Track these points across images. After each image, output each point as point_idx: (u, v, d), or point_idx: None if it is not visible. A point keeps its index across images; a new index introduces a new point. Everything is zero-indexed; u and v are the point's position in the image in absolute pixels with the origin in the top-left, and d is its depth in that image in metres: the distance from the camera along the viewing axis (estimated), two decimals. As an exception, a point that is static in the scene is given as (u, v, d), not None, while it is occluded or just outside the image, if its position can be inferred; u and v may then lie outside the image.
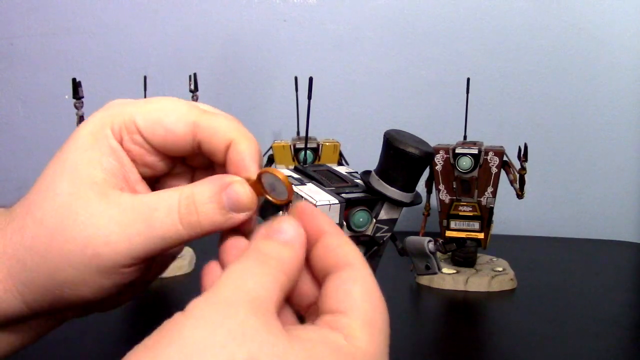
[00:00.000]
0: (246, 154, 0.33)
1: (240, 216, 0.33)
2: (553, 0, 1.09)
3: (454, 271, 0.79)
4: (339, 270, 0.30)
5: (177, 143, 0.34)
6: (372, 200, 0.48)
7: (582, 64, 1.10)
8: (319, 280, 0.32)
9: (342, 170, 0.55)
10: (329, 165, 0.56)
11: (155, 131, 0.34)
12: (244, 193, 0.32)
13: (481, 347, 0.62)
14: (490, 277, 0.78)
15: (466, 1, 1.10)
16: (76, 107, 0.78)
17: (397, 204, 0.48)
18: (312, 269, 0.32)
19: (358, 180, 0.51)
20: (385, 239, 0.50)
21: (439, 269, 0.52)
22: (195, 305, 0.27)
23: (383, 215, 0.49)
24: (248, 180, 0.33)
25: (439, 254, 0.81)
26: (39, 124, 1.12)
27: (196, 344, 0.25)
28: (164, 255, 0.36)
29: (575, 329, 0.65)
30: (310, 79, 0.51)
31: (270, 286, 0.28)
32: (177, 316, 0.27)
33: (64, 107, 1.08)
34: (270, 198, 0.34)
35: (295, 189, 0.47)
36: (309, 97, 0.53)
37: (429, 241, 0.52)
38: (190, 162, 0.37)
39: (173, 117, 0.34)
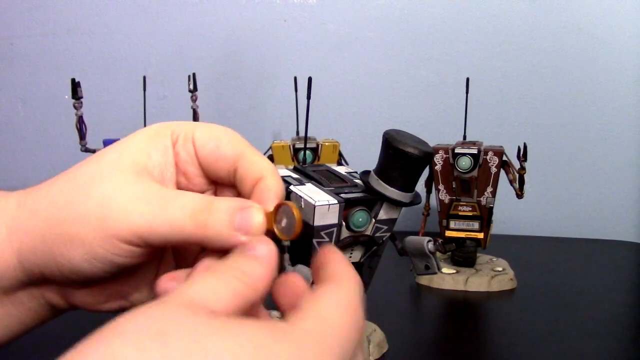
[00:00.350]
0: (273, 189, 0.36)
1: (243, 239, 0.34)
2: (553, 1, 1.09)
3: (454, 271, 0.79)
4: (329, 279, 0.31)
5: (220, 163, 0.38)
6: (371, 200, 0.48)
7: (582, 64, 1.10)
8: None
9: (342, 170, 0.55)
10: (329, 165, 0.56)
11: (207, 146, 0.38)
12: (257, 219, 0.34)
13: (481, 347, 0.62)
14: (490, 277, 0.78)
15: (466, 1, 1.10)
16: (75, 108, 0.78)
17: (396, 204, 0.48)
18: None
19: (357, 181, 0.51)
20: (384, 239, 0.50)
21: (439, 269, 0.52)
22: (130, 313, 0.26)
23: (382, 215, 0.49)
24: (265, 210, 0.35)
25: (438, 254, 0.82)
26: (39, 124, 1.12)
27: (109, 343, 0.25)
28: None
29: (575, 329, 0.65)
30: (309, 79, 0.51)
31: (221, 291, 0.29)
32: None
33: (64, 107, 1.08)
34: (276, 230, 0.35)
35: (295, 189, 0.47)
36: (308, 97, 0.53)
37: (429, 241, 0.52)
38: (220, 193, 0.40)
39: (226, 140, 0.38)
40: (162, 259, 0.40)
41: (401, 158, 0.46)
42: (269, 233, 0.35)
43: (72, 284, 0.37)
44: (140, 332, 0.24)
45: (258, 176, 0.36)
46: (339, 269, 0.32)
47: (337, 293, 0.30)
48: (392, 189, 0.47)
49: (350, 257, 0.49)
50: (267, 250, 0.32)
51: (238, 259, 0.32)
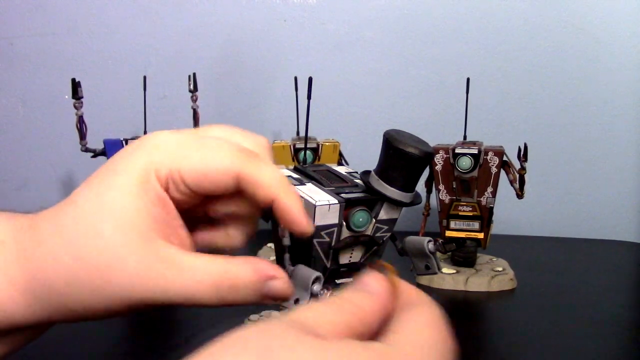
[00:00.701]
0: (295, 210, 0.36)
1: (268, 302, 0.36)
2: (553, 1, 1.09)
3: (454, 271, 0.79)
4: (407, 305, 0.32)
5: (221, 192, 0.37)
6: (371, 200, 0.48)
7: (582, 64, 1.10)
8: None
9: (342, 170, 0.55)
10: (329, 165, 0.56)
11: (201, 183, 0.36)
12: (282, 288, 0.36)
13: (481, 347, 0.62)
14: (490, 277, 0.78)
15: (466, 1, 1.10)
16: (76, 107, 0.78)
17: (396, 204, 0.48)
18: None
19: (358, 180, 0.51)
20: (385, 239, 0.50)
21: (439, 269, 0.52)
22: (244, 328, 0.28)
23: (383, 215, 0.48)
24: (385, 266, 0.35)
25: (438, 254, 0.81)
26: (39, 124, 1.12)
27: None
28: None
29: (575, 329, 0.65)
30: (310, 79, 0.51)
31: (333, 320, 0.29)
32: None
33: (64, 107, 1.08)
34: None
35: (295, 189, 0.47)
36: (309, 97, 0.53)
37: (429, 241, 0.52)
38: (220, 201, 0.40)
39: (218, 171, 0.36)
40: None
41: (401, 158, 0.46)
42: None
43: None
44: (249, 348, 0.26)
45: (269, 198, 0.36)
46: (415, 294, 0.33)
47: (425, 315, 0.31)
48: (392, 189, 0.47)
49: (351, 257, 0.49)
50: (381, 288, 0.32)
51: (353, 293, 0.32)
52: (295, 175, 0.51)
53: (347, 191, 0.48)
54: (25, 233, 0.37)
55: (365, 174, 0.50)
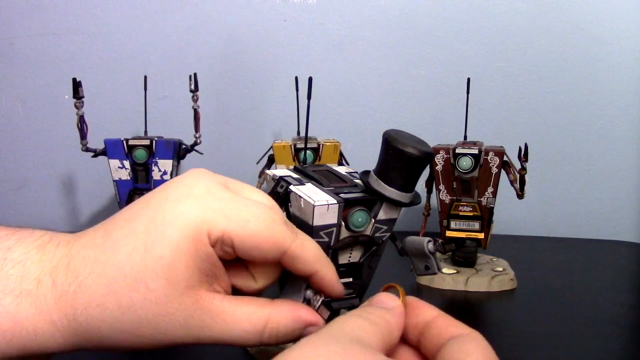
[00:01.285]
0: (333, 281, 0.41)
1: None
2: (553, 1, 1.09)
3: (454, 271, 0.79)
4: (459, 335, 0.34)
5: (264, 261, 0.39)
6: (370, 200, 0.48)
7: (582, 64, 1.10)
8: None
9: (342, 170, 0.55)
10: (329, 165, 0.56)
11: (250, 252, 0.38)
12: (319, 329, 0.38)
13: (481, 347, 0.62)
14: (491, 277, 0.78)
15: (466, 1, 1.10)
16: (76, 107, 0.78)
17: (395, 204, 0.48)
18: (423, 349, 0.35)
19: (357, 181, 0.51)
20: (384, 239, 0.50)
21: (439, 270, 0.52)
22: (303, 340, 0.31)
23: (382, 215, 0.48)
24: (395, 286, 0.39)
25: (439, 254, 0.81)
26: (39, 124, 1.12)
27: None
28: None
29: (575, 329, 0.65)
30: (310, 79, 0.51)
31: (372, 333, 0.32)
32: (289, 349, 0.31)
33: (64, 107, 1.08)
34: None
35: (294, 188, 0.47)
36: (309, 97, 0.53)
37: (429, 241, 0.52)
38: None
39: (270, 245, 0.38)
40: None
41: (400, 158, 0.46)
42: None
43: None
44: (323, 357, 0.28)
45: (310, 271, 0.39)
46: (461, 325, 0.35)
47: (476, 344, 0.34)
48: (391, 189, 0.47)
49: (350, 257, 0.49)
50: (397, 305, 0.36)
51: (374, 310, 0.35)
52: (294, 175, 0.51)
53: (346, 191, 0.48)
54: (64, 272, 0.37)
55: (365, 174, 0.49)
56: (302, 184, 0.49)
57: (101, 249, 0.37)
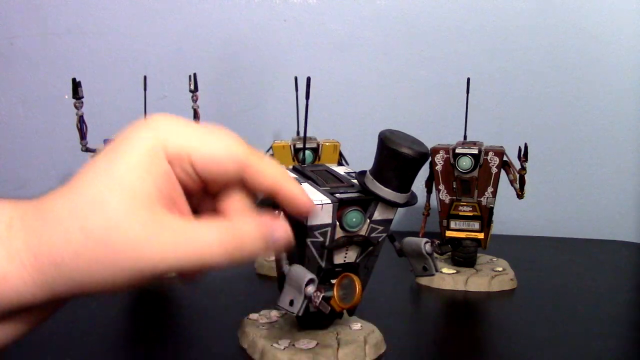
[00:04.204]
0: (298, 195, 0.39)
1: (275, 250, 0.39)
2: (553, 1, 1.09)
3: (454, 271, 0.79)
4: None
5: (225, 179, 0.38)
6: (366, 200, 0.48)
7: (582, 64, 1.10)
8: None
9: (341, 170, 0.55)
10: (328, 165, 0.56)
11: (207, 168, 0.37)
12: (286, 238, 0.38)
13: (481, 347, 0.62)
14: (490, 277, 0.78)
15: (466, 1, 1.10)
16: (76, 107, 0.78)
17: (390, 205, 0.48)
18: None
19: (354, 181, 0.51)
20: (380, 239, 0.50)
21: (437, 270, 0.52)
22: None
23: (377, 215, 0.48)
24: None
25: (438, 255, 0.81)
26: (39, 124, 1.12)
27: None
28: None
29: (575, 329, 0.65)
30: (308, 79, 0.51)
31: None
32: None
33: (64, 107, 1.08)
34: (335, 295, 0.45)
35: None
36: (307, 97, 0.53)
37: (426, 242, 0.52)
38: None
39: (227, 157, 0.38)
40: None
41: (395, 158, 0.45)
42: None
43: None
44: None
45: (271, 186, 0.39)
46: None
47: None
48: (386, 189, 0.46)
49: (346, 257, 0.49)
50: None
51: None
52: (293, 175, 0.51)
53: (341, 191, 0.48)
54: (33, 213, 0.37)
55: (361, 174, 0.49)
56: (299, 183, 0.49)
57: (69, 183, 0.38)
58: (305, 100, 0.53)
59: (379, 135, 0.47)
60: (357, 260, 0.50)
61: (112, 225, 0.35)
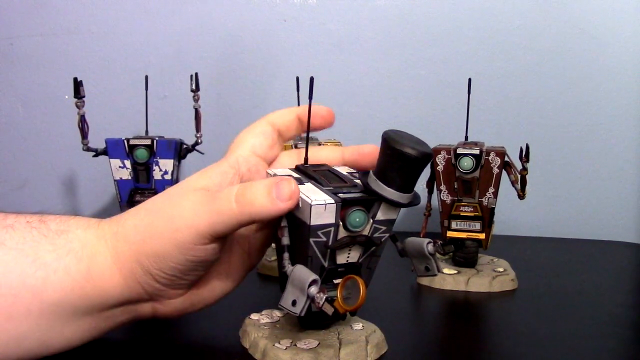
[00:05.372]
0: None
1: (282, 205, 0.45)
2: (553, 1, 1.09)
3: (455, 271, 0.79)
4: None
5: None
6: (369, 200, 0.48)
7: (582, 64, 1.10)
8: None
9: (344, 170, 0.55)
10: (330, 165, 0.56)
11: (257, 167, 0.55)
12: (290, 189, 0.45)
13: (481, 347, 0.62)
14: (491, 277, 0.78)
15: (466, 1, 1.10)
16: (77, 107, 0.78)
17: (394, 205, 0.48)
18: None
19: (357, 181, 0.51)
20: (383, 239, 0.50)
21: (439, 271, 0.52)
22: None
23: (380, 215, 0.48)
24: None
25: (439, 255, 0.81)
26: (39, 124, 1.12)
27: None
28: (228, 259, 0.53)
29: (576, 329, 0.65)
30: (311, 79, 0.51)
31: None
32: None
33: (64, 107, 1.08)
34: (339, 297, 0.47)
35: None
36: (310, 97, 0.53)
37: (428, 243, 0.52)
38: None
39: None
40: (231, 252, 0.52)
41: (399, 159, 0.45)
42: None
43: (168, 296, 0.50)
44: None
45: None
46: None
47: None
48: (389, 189, 0.46)
49: (348, 257, 0.49)
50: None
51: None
52: (295, 175, 0.51)
53: (345, 191, 0.48)
54: (117, 223, 0.49)
55: (364, 174, 0.49)
56: (301, 183, 0.49)
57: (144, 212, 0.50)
58: (308, 100, 0.53)
59: (383, 135, 0.47)
60: (360, 261, 0.50)
61: (166, 202, 0.48)
